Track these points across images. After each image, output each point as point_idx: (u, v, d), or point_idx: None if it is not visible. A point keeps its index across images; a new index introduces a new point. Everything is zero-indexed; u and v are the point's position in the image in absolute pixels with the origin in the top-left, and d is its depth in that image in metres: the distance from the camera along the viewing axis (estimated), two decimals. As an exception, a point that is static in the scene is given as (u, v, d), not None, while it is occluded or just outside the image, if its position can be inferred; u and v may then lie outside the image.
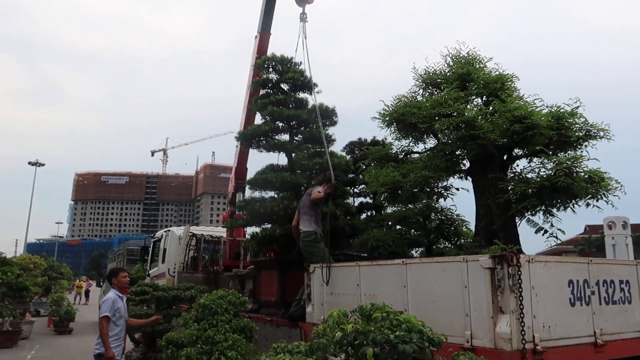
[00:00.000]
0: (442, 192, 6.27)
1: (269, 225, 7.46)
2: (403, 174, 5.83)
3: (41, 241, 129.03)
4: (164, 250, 11.85)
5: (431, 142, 6.70)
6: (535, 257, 3.96)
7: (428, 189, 6.12)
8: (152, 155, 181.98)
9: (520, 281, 3.74)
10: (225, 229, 11.70)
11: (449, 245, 6.66)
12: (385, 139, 9.02)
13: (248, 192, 8.19)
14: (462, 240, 6.76)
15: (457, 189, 6.24)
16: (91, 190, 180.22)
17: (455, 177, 6.15)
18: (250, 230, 11.26)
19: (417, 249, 6.78)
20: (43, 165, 51.56)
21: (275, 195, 7.75)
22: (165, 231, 12.51)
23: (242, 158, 11.84)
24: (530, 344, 3.67)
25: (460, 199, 6.70)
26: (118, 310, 5.61)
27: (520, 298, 3.71)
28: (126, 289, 6.06)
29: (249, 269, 8.33)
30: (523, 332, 3.65)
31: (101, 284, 24.63)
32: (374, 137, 9.57)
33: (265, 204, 7.10)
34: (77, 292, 32.05)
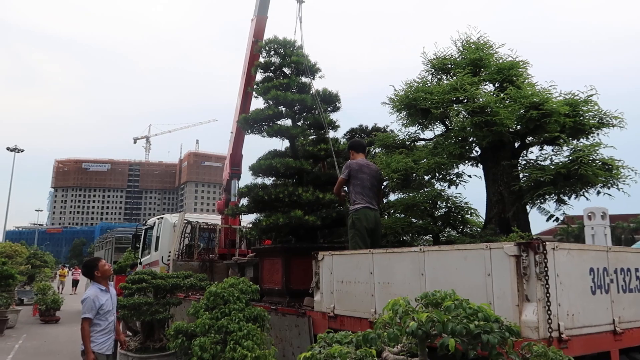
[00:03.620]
0: (454, 179, 6.17)
1: (267, 213, 7.30)
2: (414, 161, 5.72)
3: (20, 229, 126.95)
4: (157, 238, 11.62)
5: (438, 129, 6.61)
6: (559, 245, 3.90)
7: (440, 176, 6.01)
8: (135, 142, 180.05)
9: (546, 269, 3.67)
10: (220, 216, 11.53)
11: (456, 234, 6.58)
12: (387, 127, 8.91)
13: (249, 179, 8.02)
14: (468, 229, 6.69)
15: (470, 176, 6.15)
16: (72, 177, 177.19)
17: (466, 164, 6.06)
18: (247, 218, 11.11)
19: (424, 237, 6.69)
20: (22, 151, 50.44)
21: (274, 182, 7.60)
22: (158, 218, 12.26)
23: (237, 145, 11.62)
24: (556, 332, 3.62)
25: (467, 187, 6.63)
26: (102, 307, 5.31)
27: (547, 286, 3.65)
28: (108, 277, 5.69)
29: (250, 257, 8.18)
30: (550, 321, 3.59)
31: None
32: (375, 124, 9.47)
33: (268, 191, 6.92)
34: (60, 281, 31.48)
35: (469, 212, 6.58)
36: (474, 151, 5.98)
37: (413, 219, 6.64)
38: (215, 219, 11.85)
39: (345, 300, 5.18)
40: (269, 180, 7.61)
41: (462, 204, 6.56)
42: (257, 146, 8.37)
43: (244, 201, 7.96)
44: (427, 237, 6.73)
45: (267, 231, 7.22)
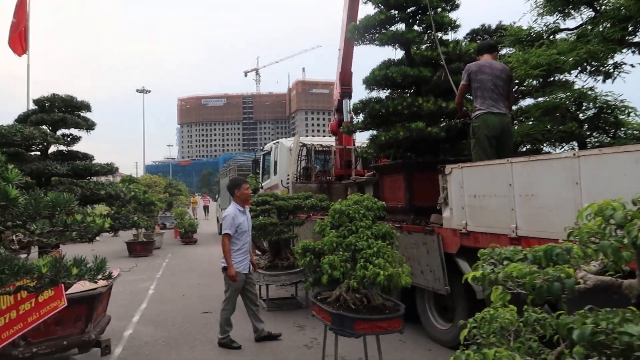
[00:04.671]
0: (611, 70, 5.14)
1: (384, 128, 6.86)
2: (559, 53, 4.80)
3: (157, 163, 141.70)
4: (275, 162, 11.88)
5: (585, 15, 5.49)
6: None
7: (592, 69, 5.04)
8: (245, 75, 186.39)
9: None
10: (334, 138, 11.36)
11: (607, 138, 5.62)
12: (514, 24, 7.75)
13: (361, 95, 7.59)
14: (623, 132, 5.67)
15: (632, 66, 5.07)
16: (194, 113, 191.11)
17: (626, 52, 4.98)
18: (360, 138, 10.80)
19: (566, 144, 5.83)
20: (149, 92, 54.84)
21: (390, 94, 7.07)
22: (274, 143, 12.48)
23: (347, 61, 11.06)
24: None
25: (621, 82, 5.53)
26: (239, 225, 5.49)
27: None
28: (248, 201, 5.91)
29: (368, 175, 7.94)
30: None
31: (217, 198, 26.28)
32: (500, 22, 8.30)
33: (385, 104, 6.45)
34: (193, 208, 34.81)
35: (626, 112, 5.54)
36: (637, 35, 4.87)
37: (551, 126, 5.78)
38: (329, 140, 11.72)
39: (479, 215, 4.73)
40: (384, 94, 7.10)
41: (617, 103, 5.52)
42: (366, 65, 7.78)
43: (359, 118, 7.59)
44: (572, 145, 5.85)
45: (385, 147, 6.84)
